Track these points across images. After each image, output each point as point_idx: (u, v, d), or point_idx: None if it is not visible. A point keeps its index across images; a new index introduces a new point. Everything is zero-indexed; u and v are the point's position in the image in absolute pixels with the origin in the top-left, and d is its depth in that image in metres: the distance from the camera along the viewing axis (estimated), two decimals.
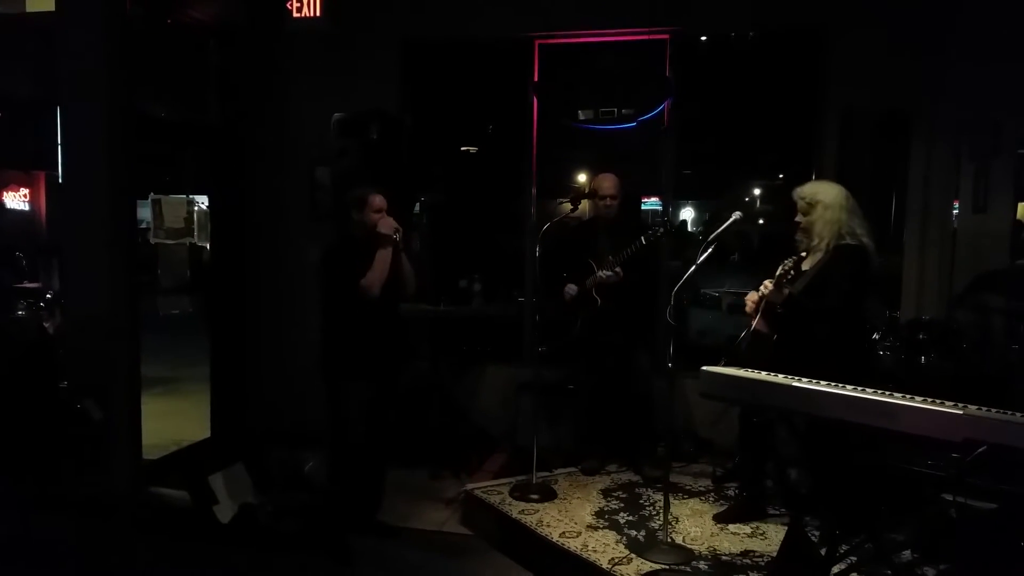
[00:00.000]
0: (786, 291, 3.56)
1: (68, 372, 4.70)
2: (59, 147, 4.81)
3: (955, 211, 4.95)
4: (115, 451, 4.60)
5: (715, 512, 4.14)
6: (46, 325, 5.83)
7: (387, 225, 3.88)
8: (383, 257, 3.86)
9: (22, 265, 9.15)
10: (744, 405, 3.68)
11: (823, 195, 3.63)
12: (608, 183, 4.73)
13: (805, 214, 3.67)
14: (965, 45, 4.76)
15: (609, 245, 4.72)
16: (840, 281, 3.53)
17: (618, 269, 4.55)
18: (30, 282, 8.29)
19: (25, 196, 13.46)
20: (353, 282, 3.81)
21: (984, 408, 2.40)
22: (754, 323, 3.73)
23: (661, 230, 4.51)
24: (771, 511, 4.05)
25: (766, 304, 3.69)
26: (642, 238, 4.48)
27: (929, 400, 2.50)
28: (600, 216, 4.81)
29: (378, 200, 3.94)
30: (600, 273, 4.60)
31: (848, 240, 3.56)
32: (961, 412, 2.36)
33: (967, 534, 2.99)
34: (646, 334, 4.95)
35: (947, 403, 2.46)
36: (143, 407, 4.90)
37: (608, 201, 4.72)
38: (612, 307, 4.65)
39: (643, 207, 8.19)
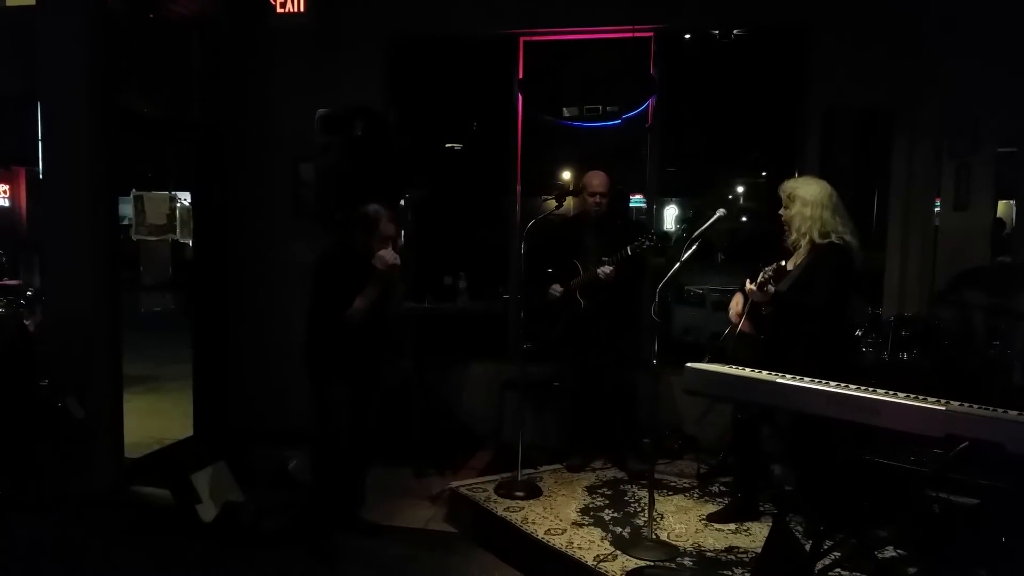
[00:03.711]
0: (771, 289, 3.58)
1: (49, 370, 4.64)
2: (39, 143, 4.75)
3: (937, 208, 5.00)
4: (97, 450, 4.56)
5: (700, 509, 4.16)
6: (26, 323, 5.76)
7: (383, 261, 3.81)
8: (372, 292, 3.82)
9: (2, 262, 9.02)
10: (727, 401, 3.70)
11: (803, 191, 3.67)
12: (598, 180, 4.72)
13: (786, 208, 3.71)
14: (947, 45, 4.80)
15: (594, 243, 4.72)
16: (825, 279, 3.56)
17: (615, 265, 4.53)
18: (10, 279, 8.19)
19: (5, 192, 13.29)
20: (341, 298, 3.79)
21: (966, 404, 2.41)
22: (739, 326, 3.77)
23: (648, 243, 4.51)
24: (763, 509, 4.05)
25: (751, 306, 3.72)
26: (628, 248, 4.48)
27: (911, 396, 2.51)
28: (587, 213, 4.80)
29: (389, 229, 3.89)
30: (601, 269, 4.56)
31: (832, 239, 3.58)
32: (943, 408, 2.38)
33: (950, 529, 3.02)
34: (629, 332, 4.96)
35: (929, 399, 2.48)
36: (125, 405, 4.87)
37: (598, 199, 4.71)
38: (596, 308, 4.66)
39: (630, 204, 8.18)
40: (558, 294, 4.75)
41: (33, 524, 4.26)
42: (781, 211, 3.74)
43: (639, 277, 4.88)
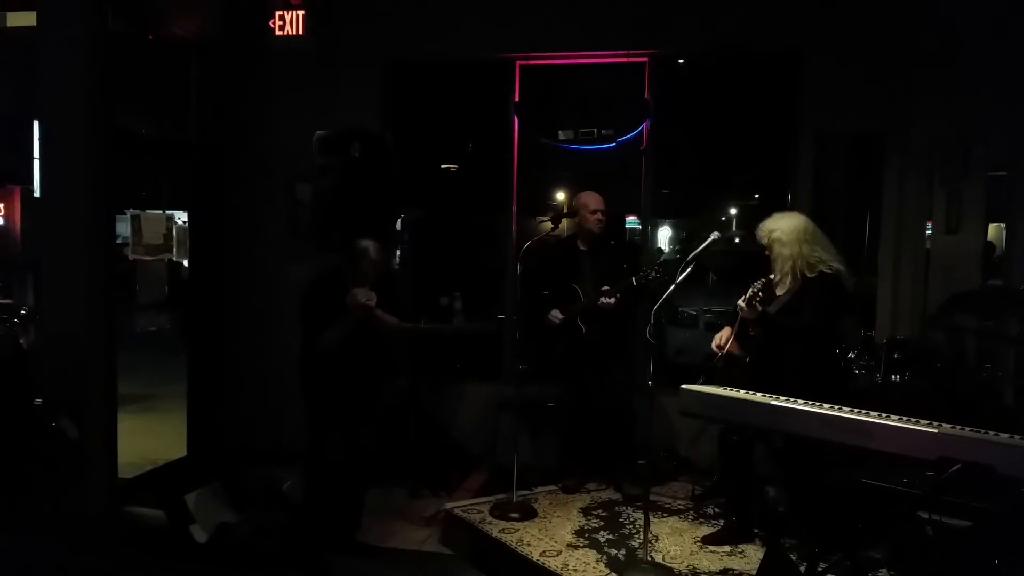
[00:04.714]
0: (758, 306, 3.61)
1: (43, 389, 4.63)
2: (35, 161, 4.76)
3: (928, 232, 5.05)
4: (90, 470, 4.53)
5: (695, 531, 4.16)
6: (20, 341, 5.74)
7: (354, 300, 3.82)
8: (343, 327, 3.84)
9: None
10: (722, 423, 3.72)
11: (779, 231, 3.72)
12: (595, 199, 4.79)
13: (767, 250, 3.78)
14: (936, 70, 4.87)
15: (591, 265, 4.76)
16: (814, 304, 3.60)
17: (618, 296, 4.56)
18: (3, 298, 8.16)
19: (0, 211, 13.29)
20: (323, 324, 3.81)
21: (958, 427, 2.44)
22: (727, 347, 3.80)
23: (654, 273, 4.55)
24: (758, 532, 4.05)
25: (740, 325, 3.75)
26: (634, 279, 4.52)
27: (904, 419, 2.53)
28: (583, 234, 4.84)
29: (370, 269, 3.91)
30: (603, 300, 4.58)
31: (821, 269, 3.62)
32: (936, 431, 2.40)
33: (942, 551, 3.03)
34: (626, 353, 4.97)
35: (922, 422, 2.50)
36: (119, 425, 4.84)
37: (600, 215, 4.76)
38: (596, 333, 4.68)
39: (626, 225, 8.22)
40: (557, 321, 4.76)
41: (25, 544, 4.22)
42: (766, 252, 3.79)
43: (638, 303, 4.91)
